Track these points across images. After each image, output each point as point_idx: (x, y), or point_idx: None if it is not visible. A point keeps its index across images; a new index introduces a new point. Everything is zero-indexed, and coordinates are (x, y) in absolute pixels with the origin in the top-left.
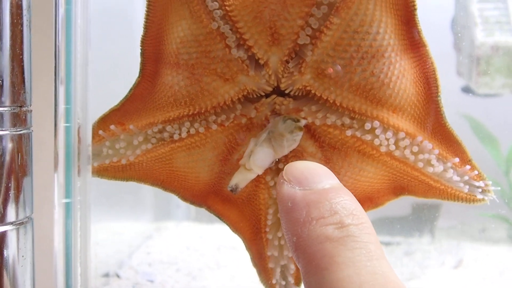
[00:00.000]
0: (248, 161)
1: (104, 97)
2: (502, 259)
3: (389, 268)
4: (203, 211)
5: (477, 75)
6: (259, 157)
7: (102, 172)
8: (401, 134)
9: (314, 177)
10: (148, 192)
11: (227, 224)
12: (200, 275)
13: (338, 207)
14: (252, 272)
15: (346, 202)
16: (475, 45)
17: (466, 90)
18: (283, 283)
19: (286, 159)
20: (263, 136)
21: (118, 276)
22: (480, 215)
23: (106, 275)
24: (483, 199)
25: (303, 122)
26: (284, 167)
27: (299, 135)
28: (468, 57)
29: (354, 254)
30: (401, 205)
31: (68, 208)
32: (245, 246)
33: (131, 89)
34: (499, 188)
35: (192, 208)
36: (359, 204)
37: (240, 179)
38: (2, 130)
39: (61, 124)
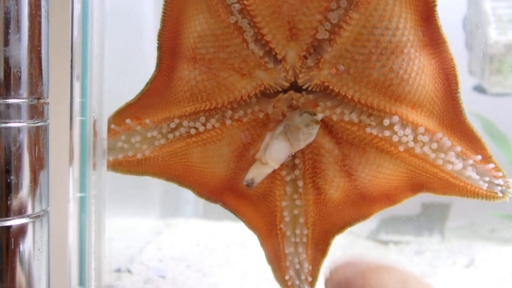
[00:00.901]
0: (264, 155)
1: (120, 91)
2: None
3: None
4: (211, 208)
5: (490, 73)
6: (275, 151)
7: (117, 166)
8: (420, 130)
9: None
10: (156, 188)
11: (242, 220)
12: (211, 271)
13: None
14: (263, 269)
15: None
16: (488, 43)
17: (478, 89)
18: (297, 282)
19: (303, 155)
20: (279, 129)
21: (129, 271)
22: (492, 215)
23: (118, 270)
24: (503, 196)
25: (320, 116)
26: (300, 162)
27: (315, 129)
28: (480, 55)
29: None
30: (411, 204)
31: (82, 202)
32: (260, 243)
33: (147, 84)
34: None
35: (201, 205)
36: None
37: (256, 174)
38: (19, 122)
39: (77, 118)
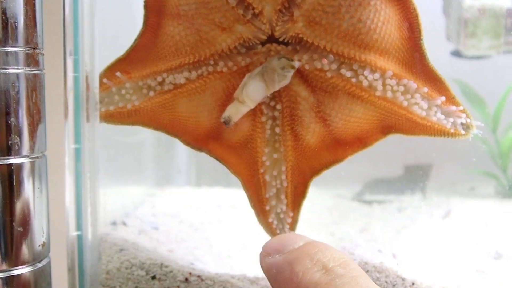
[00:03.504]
0: (241, 93)
1: (110, 47)
2: (488, 212)
3: None
4: (203, 176)
5: (465, 37)
6: (251, 90)
7: (108, 117)
8: (388, 75)
9: (288, 241)
10: (149, 159)
11: (226, 167)
12: (202, 227)
13: (317, 256)
14: (252, 227)
15: (323, 250)
16: (463, 8)
17: (455, 53)
18: (276, 223)
19: (282, 103)
20: (257, 70)
21: (124, 224)
22: (469, 172)
23: (114, 223)
24: (466, 134)
25: (296, 63)
26: (280, 108)
27: (290, 72)
28: (456, 20)
29: None
30: (394, 167)
31: (78, 153)
32: (243, 187)
33: (135, 40)
34: (482, 124)
35: (193, 174)
36: (334, 247)
37: (233, 111)
38: (17, 69)
39: (70, 74)
